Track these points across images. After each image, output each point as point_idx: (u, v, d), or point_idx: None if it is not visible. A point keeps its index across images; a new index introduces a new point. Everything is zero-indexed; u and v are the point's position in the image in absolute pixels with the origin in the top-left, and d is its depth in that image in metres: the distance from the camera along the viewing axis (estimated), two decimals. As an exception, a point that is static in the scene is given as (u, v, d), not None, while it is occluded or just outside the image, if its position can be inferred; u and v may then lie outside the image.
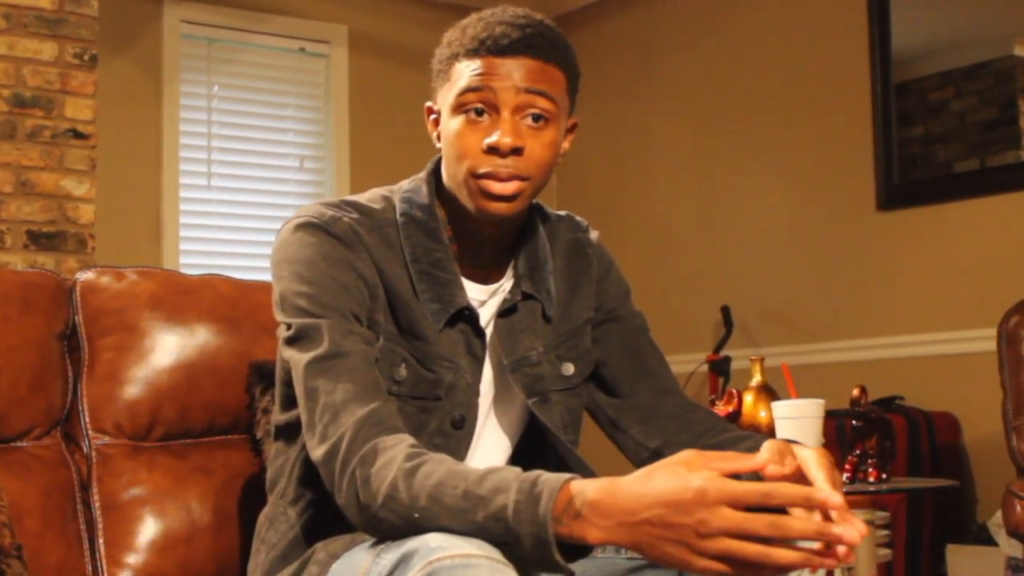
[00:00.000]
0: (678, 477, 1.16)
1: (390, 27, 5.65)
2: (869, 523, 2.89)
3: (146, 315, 1.93)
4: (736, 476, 1.19)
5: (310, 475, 1.51)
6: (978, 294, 4.21)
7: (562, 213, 1.72)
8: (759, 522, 1.13)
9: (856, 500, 3.04)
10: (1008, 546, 3.52)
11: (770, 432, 2.63)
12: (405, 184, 1.61)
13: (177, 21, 5.14)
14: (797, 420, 2.50)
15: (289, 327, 1.47)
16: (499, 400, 1.62)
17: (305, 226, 1.51)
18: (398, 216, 1.56)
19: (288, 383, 1.53)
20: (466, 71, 1.48)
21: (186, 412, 1.94)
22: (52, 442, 1.87)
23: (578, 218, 1.73)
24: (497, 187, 1.47)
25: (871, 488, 2.70)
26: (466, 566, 1.17)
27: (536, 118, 1.49)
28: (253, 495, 1.90)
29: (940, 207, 4.37)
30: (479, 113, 1.48)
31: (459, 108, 1.49)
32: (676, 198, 5.38)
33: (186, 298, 1.97)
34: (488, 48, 1.47)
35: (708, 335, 5.09)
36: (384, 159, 5.43)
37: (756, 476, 1.40)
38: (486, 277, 1.60)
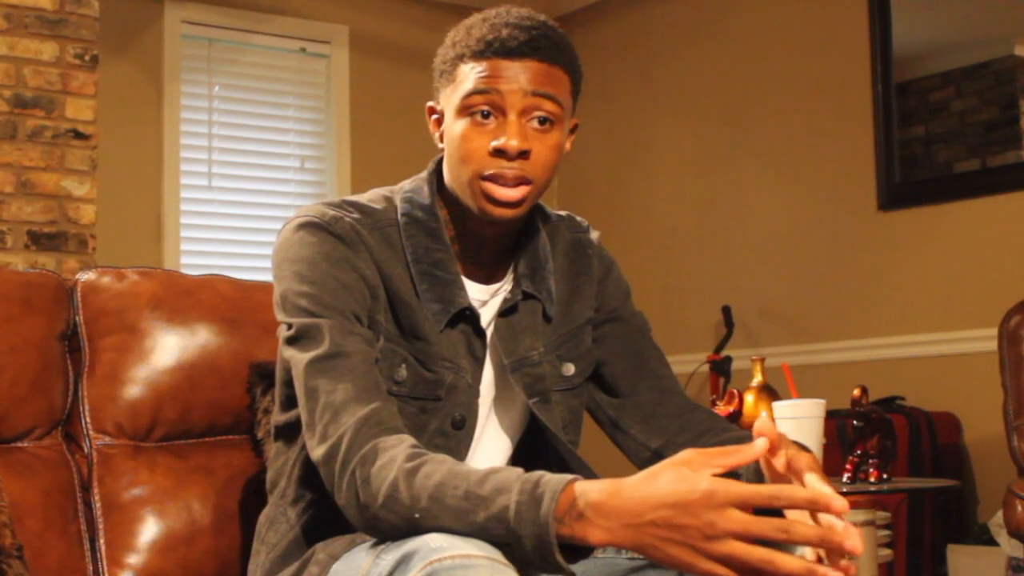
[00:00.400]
0: (684, 478, 1.16)
1: (391, 27, 5.65)
2: (870, 523, 2.89)
3: (147, 315, 1.93)
4: (735, 475, 1.19)
5: (310, 476, 1.51)
6: (979, 294, 4.21)
7: (562, 213, 1.72)
8: (766, 525, 1.13)
9: (857, 500, 3.04)
10: (1009, 546, 3.52)
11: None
12: (406, 184, 1.61)
13: (178, 21, 5.14)
14: (798, 420, 2.50)
15: (290, 327, 1.47)
16: (500, 400, 1.62)
17: (307, 226, 1.51)
18: (399, 216, 1.56)
19: (288, 383, 1.53)
20: (472, 73, 1.48)
21: (187, 412, 1.94)
22: (53, 442, 1.87)
23: (578, 218, 1.73)
24: (503, 192, 1.47)
25: (872, 488, 2.70)
26: (466, 566, 1.17)
27: (542, 121, 1.49)
28: (254, 495, 1.90)
29: (941, 207, 4.37)
30: (485, 115, 1.48)
31: (464, 110, 1.48)
32: (677, 198, 5.38)
33: (187, 298, 1.97)
34: (495, 50, 1.47)
35: (709, 335, 5.09)
36: (385, 159, 5.43)
37: (757, 474, 1.40)
38: (487, 277, 1.60)
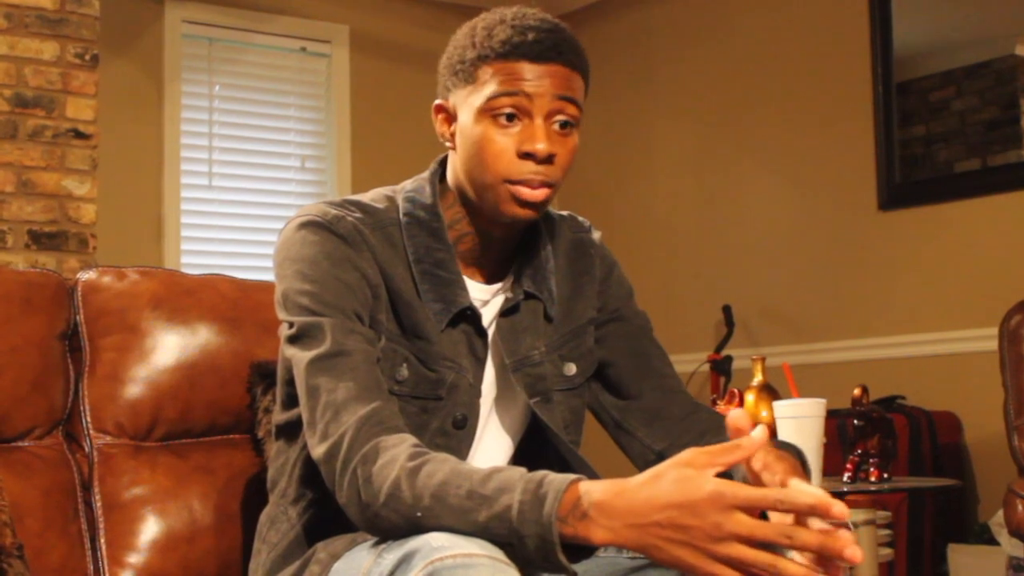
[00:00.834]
0: (689, 479, 1.15)
1: (391, 27, 5.66)
2: (870, 522, 2.88)
3: (147, 315, 1.93)
4: (726, 474, 1.19)
5: (311, 475, 1.51)
6: (979, 293, 4.21)
7: (564, 213, 1.72)
8: (771, 529, 1.13)
9: (857, 499, 3.04)
10: (1010, 546, 3.52)
11: (772, 432, 2.63)
12: (408, 184, 1.61)
13: (178, 21, 5.14)
14: (798, 420, 2.50)
15: (291, 325, 1.47)
16: (501, 400, 1.62)
17: (309, 225, 1.51)
18: (401, 216, 1.56)
19: (290, 382, 1.53)
20: (498, 75, 1.47)
21: (187, 412, 1.94)
22: (53, 442, 1.87)
23: (580, 218, 1.73)
24: (530, 194, 1.48)
25: (872, 488, 2.70)
26: (468, 566, 1.17)
27: (564, 124, 1.50)
28: (254, 495, 1.90)
29: (941, 207, 4.37)
30: (510, 118, 1.48)
31: (488, 112, 1.48)
32: (677, 198, 5.38)
33: (187, 298, 1.97)
34: (522, 53, 1.47)
35: (709, 335, 5.09)
36: (385, 159, 5.43)
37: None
38: (488, 277, 1.60)
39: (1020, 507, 2.99)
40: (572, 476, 1.23)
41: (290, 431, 1.59)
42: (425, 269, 1.53)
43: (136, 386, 1.91)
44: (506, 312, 1.59)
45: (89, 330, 1.91)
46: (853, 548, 1.13)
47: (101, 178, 4.30)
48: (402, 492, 1.28)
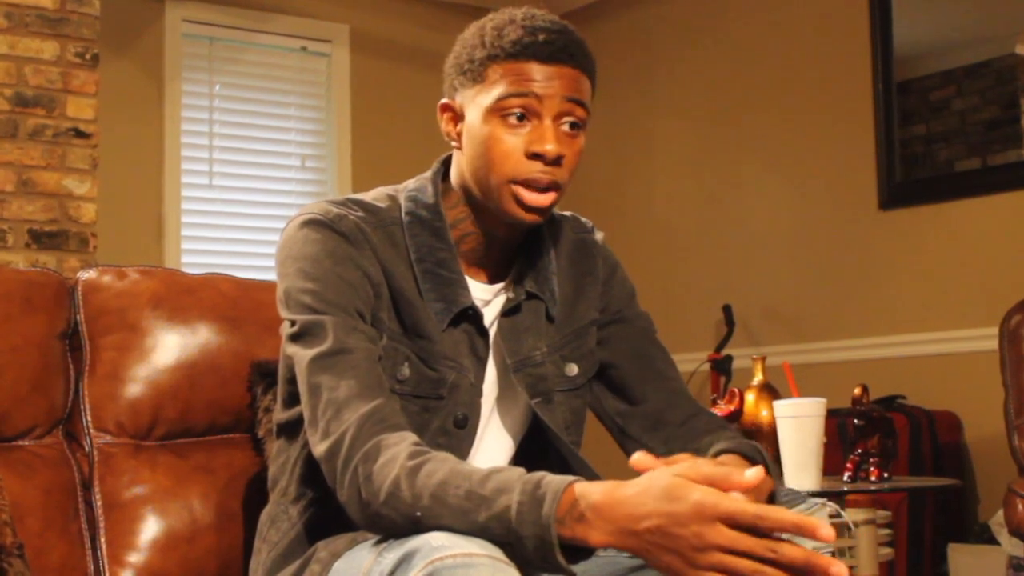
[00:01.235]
0: (676, 488, 1.18)
1: (392, 26, 5.66)
2: (871, 522, 2.89)
3: (148, 314, 1.93)
4: None
5: (312, 474, 1.51)
6: (979, 293, 4.21)
7: (566, 214, 1.72)
8: (755, 544, 1.15)
9: (858, 499, 3.04)
10: (1010, 545, 3.52)
11: (772, 432, 2.63)
12: (410, 183, 1.61)
13: (179, 20, 5.14)
14: (799, 419, 2.51)
15: (293, 323, 1.48)
16: (502, 400, 1.62)
17: (311, 223, 1.51)
18: (403, 215, 1.56)
19: (291, 380, 1.53)
20: (508, 75, 1.48)
21: (188, 411, 1.94)
22: (54, 441, 1.87)
23: (583, 219, 1.73)
24: (535, 198, 1.48)
25: (873, 487, 2.70)
26: (468, 565, 1.18)
27: (572, 126, 1.50)
28: (255, 494, 1.90)
29: (942, 206, 4.37)
30: (519, 118, 1.48)
31: (497, 111, 1.48)
32: (677, 197, 5.38)
33: (188, 297, 1.97)
34: (532, 53, 1.47)
35: (710, 334, 5.09)
36: (386, 158, 5.43)
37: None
38: (490, 277, 1.60)
39: (1020, 507, 2.99)
40: (569, 478, 1.23)
41: (291, 430, 1.59)
42: (427, 268, 1.53)
43: (136, 385, 1.91)
44: (508, 312, 1.59)
45: (89, 329, 1.91)
46: (839, 565, 1.14)
47: (101, 177, 4.30)
48: (402, 491, 1.28)
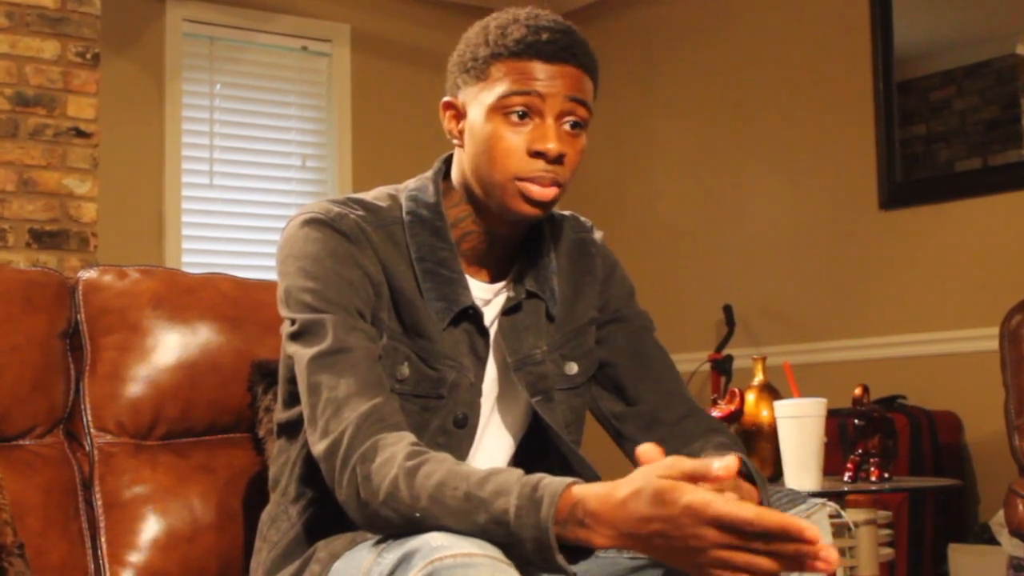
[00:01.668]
0: (666, 492, 1.17)
1: (393, 26, 5.66)
2: (871, 522, 2.89)
3: (148, 314, 1.93)
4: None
5: (312, 473, 1.51)
6: (980, 293, 4.21)
7: (566, 213, 1.72)
8: (743, 540, 1.15)
9: (858, 499, 3.04)
10: (1010, 545, 3.52)
11: (772, 432, 2.63)
12: (411, 183, 1.61)
13: (179, 20, 5.14)
14: (799, 419, 2.50)
15: (293, 322, 1.48)
16: (502, 399, 1.62)
17: (312, 222, 1.51)
18: (404, 214, 1.56)
19: (291, 380, 1.53)
20: (511, 73, 1.48)
21: (188, 411, 1.94)
22: (54, 440, 1.88)
23: (582, 218, 1.74)
24: (539, 192, 1.49)
25: (873, 487, 2.70)
26: (467, 565, 1.18)
27: (574, 125, 1.51)
28: (255, 494, 1.90)
29: (942, 206, 4.37)
30: (521, 116, 1.48)
31: (499, 110, 1.49)
32: (678, 197, 5.38)
33: (188, 297, 1.97)
34: (535, 52, 1.48)
35: (710, 334, 5.09)
36: (386, 158, 5.43)
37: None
38: (490, 276, 1.60)
39: (1021, 507, 2.99)
40: (567, 480, 1.23)
41: (291, 429, 1.59)
42: (427, 268, 1.54)
43: (137, 385, 1.91)
44: (509, 311, 1.59)
45: (90, 329, 1.92)
46: (828, 549, 1.14)
47: (102, 177, 4.30)
48: (400, 492, 1.28)
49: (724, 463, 1.18)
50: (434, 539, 1.22)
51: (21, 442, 1.84)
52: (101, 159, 4.28)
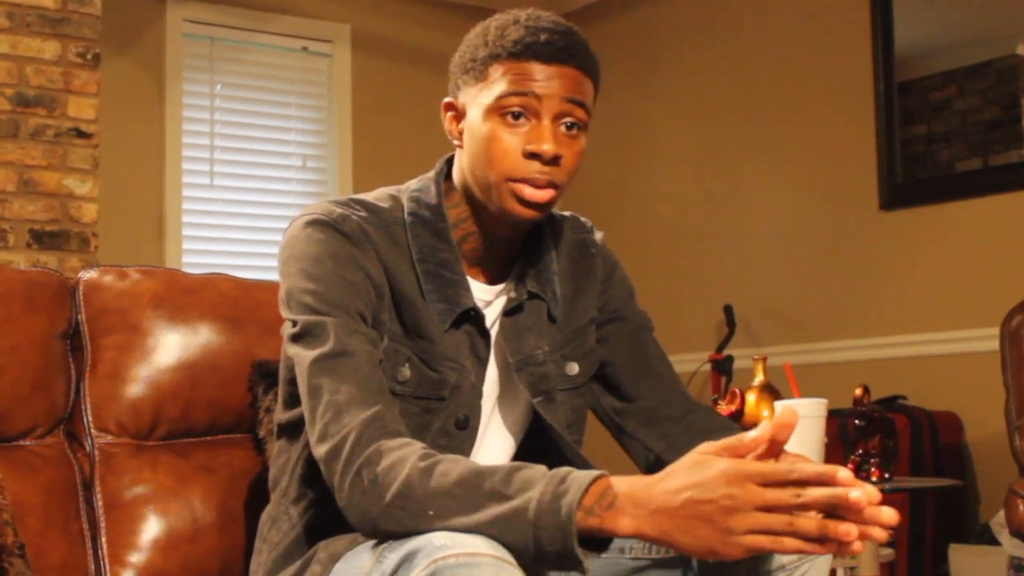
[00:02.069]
0: (703, 462, 1.20)
1: (393, 26, 5.66)
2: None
3: (149, 314, 1.93)
4: None
5: (312, 474, 1.51)
6: (981, 293, 4.21)
7: (566, 214, 1.73)
8: (783, 492, 1.16)
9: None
10: (1011, 546, 3.52)
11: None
12: (413, 184, 1.61)
13: (180, 20, 5.14)
14: (800, 420, 2.50)
15: (295, 324, 1.47)
16: (503, 400, 1.62)
17: (314, 223, 1.51)
18: (406, 215, 1.56)
19: (292, 381, 1.53)
20: (508, 74, 1.48)
21: (189, 411, 1.94)
22: (55, 441, 1.87)
23: (582, 219, 1.74)
24: (533, 193, 1.48)
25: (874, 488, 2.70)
26: (470, 564, 1.17)
27: (571, 127, 1.50)
28: (256, 494, 1.90)
29: (943, 206, 4.37)
30: (516, 116, 1.48)
31: (496, 110, 1.49)
32: (678, 197, 5.37)
33: (189, 297, 1.97)
34: (533, 53, 1.48)
35: (711, 334, 5.09)
36: (387, 158, 5.43)
37: None
38: (492, 277, 1.60)
39: (1021, 507, 2.99)
40: (597, 471, 1.24)
41: (292, 430, 1.59)
42: (429, 269, 1.53)
43: (137, 385, 1.91)
44: (510, 311, 1.59)
45: (90, 329, 1.92)
46: (859, 490, 1.15)
47: (102, 177, 4.30)
48: (413, 491, 1.27)
49: (755, 433, 1.21)
50: (437, 538, 1.22)
51: (22, 442, 1.84)
52: (101, 159, 4.29)
